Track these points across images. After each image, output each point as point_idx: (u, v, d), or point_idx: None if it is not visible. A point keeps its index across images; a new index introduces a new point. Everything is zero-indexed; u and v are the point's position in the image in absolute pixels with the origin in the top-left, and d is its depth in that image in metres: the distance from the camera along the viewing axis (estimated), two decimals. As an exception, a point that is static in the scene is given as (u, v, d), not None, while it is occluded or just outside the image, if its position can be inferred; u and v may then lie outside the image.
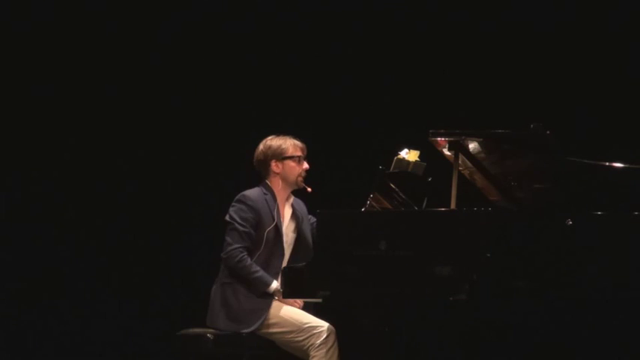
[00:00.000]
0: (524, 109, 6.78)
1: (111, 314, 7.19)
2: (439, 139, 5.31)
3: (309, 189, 5.69)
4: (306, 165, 5.66)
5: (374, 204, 5.59)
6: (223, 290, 5.50)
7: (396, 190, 5.63)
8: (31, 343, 7.14)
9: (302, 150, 5.67)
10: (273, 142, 5.65)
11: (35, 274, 7.19)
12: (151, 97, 7.29)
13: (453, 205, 5.19)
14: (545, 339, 5.40)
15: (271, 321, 5.44)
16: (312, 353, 5.36)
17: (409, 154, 5.68)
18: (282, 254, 5.58)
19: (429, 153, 5.57)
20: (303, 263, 5.29)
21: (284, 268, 5.42)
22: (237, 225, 5.51)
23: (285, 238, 5.62)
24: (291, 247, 5.64)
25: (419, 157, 5.69)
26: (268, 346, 5.46)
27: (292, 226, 5.67)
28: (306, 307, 5.56)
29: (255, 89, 7.30)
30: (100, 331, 7.18)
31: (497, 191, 5.63)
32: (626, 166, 5.29)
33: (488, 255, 4.95)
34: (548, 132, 5.15)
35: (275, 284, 5.44)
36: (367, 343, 5.27)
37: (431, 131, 5.29)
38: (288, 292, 5.42)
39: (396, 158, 5.68)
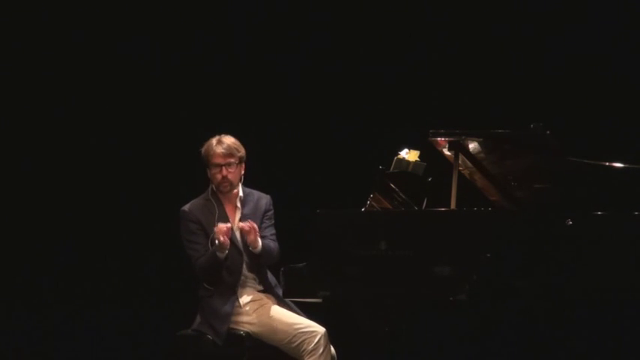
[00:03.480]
0: (524, 109, 6.78)
1: (111, 314, 7.19)
2: (439, 139, 5.31)
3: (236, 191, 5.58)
4: (224, 172, 5.48)
5: (374, 204, 5.59)
6: (200, 301, 5.53)
7: (396, 190, 5.63)
8: (31, 344, 7.14)
9: (219, 157, 5.47)
10: (203, 148, 5.56)
11: (34, 275, 7.18)
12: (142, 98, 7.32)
13: (453, 205, 5.19)
14: (545, 339, 5.40)
15: (264, 328, 5.42)
16: (305, 358, 5.35)
17: (409, 154, 5.68)
18: (240, 253, 5.50)
19: (429, 153, 5.57)
20: (304, 263, 5.30)
21: (283, 268, 5.42)
22: (187, 243, 5.54)
23: (239, 238, 5.53)
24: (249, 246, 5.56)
25: (419, 157, 5.69)
26: (268, 346, 5.46)
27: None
28: (300, 308, 5.54)
29: (255, 89, 7.30)
30: (100, 332, 7.17)
31: (497, 191, 5.63)
32: (626, 166, 5.29)
33: (488, 255, 4.95)
34: (548, 132, 5.15)
35: (215, 244, 5.38)
36: (367, 343, 5.27)
37: (431, 131, 5.29)
38: (288, 292, 5.42)
39: (396, 158, 5.68)
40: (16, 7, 7.24)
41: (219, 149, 5.50)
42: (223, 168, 5.49)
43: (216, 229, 5.40)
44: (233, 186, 5.55)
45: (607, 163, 5.30)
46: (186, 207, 5.60)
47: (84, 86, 7.30)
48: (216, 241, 5.40)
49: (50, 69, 7.27)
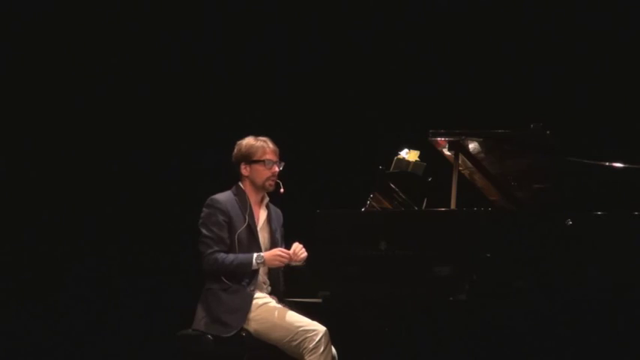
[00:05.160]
0: (524, 109, 6.78)
1: (111, 314, 7.19)
2: (439, 139, 5.32)
3: (282, 190, 5.53)
4: (275, 169, 5.48)
5: (374, 204, 5.59)
6: (206, 296, 5.47)
7: (396, 190, 5.63)
8: (32, 344, 7.14)
9: (272, 153, 5.49)
10: (243, 144, 5.51)
11: (35, 274, 7.18)
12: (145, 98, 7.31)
13: (453, 205, 5.19)
14: (545, 339, 5.40)
15: (265, 325, 5.41)
16: (306, 357, 5.34)
17: (409, 154, 5.68)
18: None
19: (429, 153, 5.57)
20: (303, 263, 5.30)
21: (284, 268, 5.42)
22: (207, 232, 5.44)
23: (261, 240, 5.53)
24: (268, 249, 5.53)
25: (419, 157, 5.69)
26: (268, 346, 5.45)
27: (267, 228, 5.57)
28: (300, 308, 5.54)
29: (255, 89, 7.30)
30: (101, 332, 7.17)
31: (497, 191, 5.63)
32: (626, 166, 5.29)
33: (488, 255, 4.95)
34: (548, 132, 5.16)
35: (255, 257, 5.36)
36: (367, 343, 5.27)
37: (431, 131, 5.30)
38: (288, 292, 5.42)
39: (396, 158, 5.68)
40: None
41: (272, 146, 5.51)
42: (275, 165, 5.49)
43: (284, 253, 5.36)
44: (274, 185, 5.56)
45: (607, 163, 5.31)
46: (217, 196, 5.51)
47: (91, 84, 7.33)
48: (262, 256, 5.37)
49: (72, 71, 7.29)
